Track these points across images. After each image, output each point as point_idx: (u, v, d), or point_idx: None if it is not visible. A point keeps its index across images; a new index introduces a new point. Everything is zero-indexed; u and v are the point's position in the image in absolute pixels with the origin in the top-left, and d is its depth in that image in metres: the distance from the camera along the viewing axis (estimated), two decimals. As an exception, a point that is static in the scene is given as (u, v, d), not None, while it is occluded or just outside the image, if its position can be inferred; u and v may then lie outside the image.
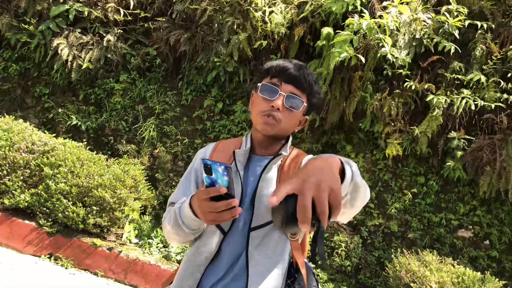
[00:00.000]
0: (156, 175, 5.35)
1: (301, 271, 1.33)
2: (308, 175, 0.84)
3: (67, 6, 5.63)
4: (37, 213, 4.10)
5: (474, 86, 4.90)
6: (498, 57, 4.84)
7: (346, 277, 4.75)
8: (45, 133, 4.66)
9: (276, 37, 5.26)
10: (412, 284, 3.72)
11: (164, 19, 5.71)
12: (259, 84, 1.43)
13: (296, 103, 1.40)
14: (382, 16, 4.69)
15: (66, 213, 3.97)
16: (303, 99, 1.42)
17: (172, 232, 1.35)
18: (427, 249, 4.53)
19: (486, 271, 4.07)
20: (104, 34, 5.73)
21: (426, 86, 4.94)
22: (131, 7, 5.75)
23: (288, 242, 1.35)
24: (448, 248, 4.86)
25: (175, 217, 1.32)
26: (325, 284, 4.57)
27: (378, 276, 4.77)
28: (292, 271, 1.35)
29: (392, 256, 4.34)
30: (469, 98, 4.75)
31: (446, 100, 4.83)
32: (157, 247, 4.31)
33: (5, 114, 5.25)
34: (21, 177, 4.15)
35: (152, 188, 5.04)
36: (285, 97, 1.38)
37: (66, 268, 3.91)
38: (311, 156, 1.48)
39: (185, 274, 1.35)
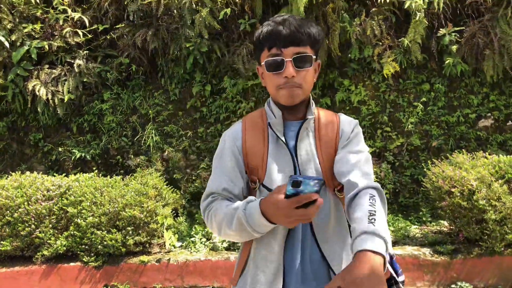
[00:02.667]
0: (174, 176, 5.35)
1: None
2: (359, 283, 0.97)
3: (26, 47, 5.49)
4: (78, 252, 4.14)
5: (447, -24, 4.74)
6: None
7: (387, 205, 4.77)
8: (55, 176, 4.65)
9: (237, 0, 5.11)
10: (453, 190, 3.72)
11: (123, 25, 5.56)
12: (262, 64, 1.38)
13: (305, 61, 1.35)
14: None
15: (105, 242, 4.00)
16: (309, 53, 1.36)
17: (235, 235, 1.30)
18: (455, 151, 4.51)
19: (518, 151, 4.06)
20: (72, 61, 5.61)
21: (400, -6, 4.80)
22: (87, 24, 5.60)
23: (338, 198, 1.41)
24: (475, 143, 4.83)
25: (239, 223, 1.25)
26: (370, 218, 4.60)
27: (417, 193, 4.78)
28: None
29: (425, 170, 4.33)
30: (446, -10, 4.61)
31: (424, 0, 4.69)
32: (201, 243, 4.35)
33: (10, 172, 5.24)
34: (50, 225, 4.16)
35: (175, 189, 5.04)
36: (292, 62, 1.32)
37: (125, 292, 3.98)
38: (345, 117, 1.49)
39: (265, 261, 1.35)
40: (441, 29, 4.78)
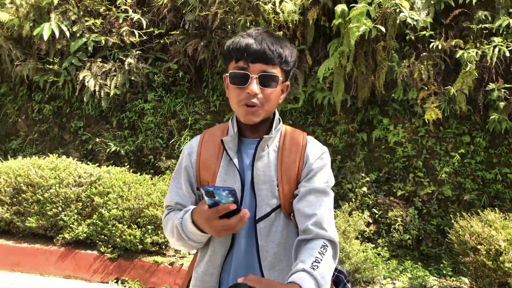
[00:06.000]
0: (200, 184, 5.41)
1: None
2: None
3: (84, 39, 5.79)
4: (97, 241, 4.24)
5: (504, 32, 4.69)
6: (525, -3, 4.62)
7: (408, 251, 4.66)
8: (88, 164, 4.81)
9: (290, 25, 5.21)
10: (479, 247, 3.61)
11: (178, 32, 5.76)
12: (226, 75, 1.33)
13: (271, 81, 1.29)
14: (394, -19, 4.57)
15: (124, 237, 4.08)
16: (277, 73, 1.30)
17: (178, 244, 1.34)
18: (487, 208, 4.38)
19: (554, 220, 3.90)
20: (124, 58, 5.85)
21: (453, 43, 4.77)
22: (144, 27, 5.84)
23: (292, 224, 1.34)
24: (509, 204, 4.68)
25: (178, 233, 1.28)
26: (388, 261, 4.51)
27: (441, 244, 4.65)
28: None
29: (452, 221, 4.22)
30: (501, 45, 4.56)
31: (477, 52, 4.65)
32: (215, 254, 4.37)
33: (48, 153, 5.46)
34: (75, 210, 4.30)
35: (199, 198, 5.10)
36: (257, 79, 1.27)
37: (134, 289, 4.03)
38: (313, 140, 1.42)
39: (205, 276, 1.33)
40: (490, 83, 4.71)
